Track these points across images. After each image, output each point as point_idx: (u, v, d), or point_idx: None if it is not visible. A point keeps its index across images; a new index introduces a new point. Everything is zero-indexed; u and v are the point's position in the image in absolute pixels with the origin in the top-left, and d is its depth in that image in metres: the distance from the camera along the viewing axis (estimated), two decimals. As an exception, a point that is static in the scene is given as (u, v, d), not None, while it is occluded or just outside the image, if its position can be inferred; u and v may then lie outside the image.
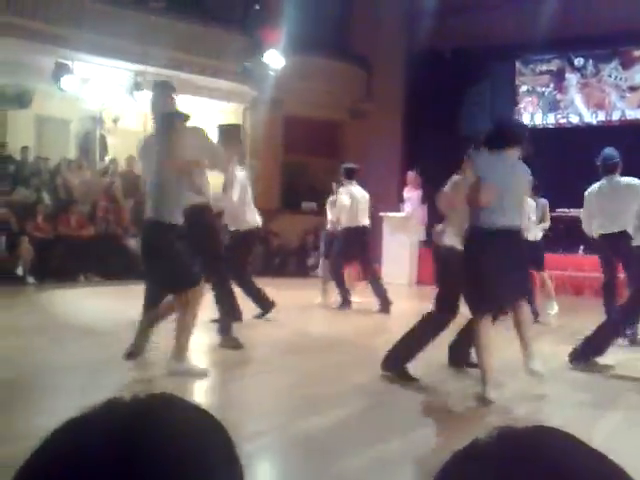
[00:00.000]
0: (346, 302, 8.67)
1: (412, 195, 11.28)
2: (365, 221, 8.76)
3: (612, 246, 6.55)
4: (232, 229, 7.20)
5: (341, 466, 3.22)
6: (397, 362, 4.88)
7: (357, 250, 8.68)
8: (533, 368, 4.56)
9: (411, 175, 11.18)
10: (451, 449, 0.60)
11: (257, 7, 12.79)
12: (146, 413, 0.60)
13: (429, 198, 9.22)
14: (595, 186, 6.72)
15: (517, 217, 4.53)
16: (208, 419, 0.63)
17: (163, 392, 0.64)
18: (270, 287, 7.88)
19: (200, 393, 4.61)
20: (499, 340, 6.23)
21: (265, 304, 7.42)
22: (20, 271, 10.18)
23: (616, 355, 5.62)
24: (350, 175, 8.78)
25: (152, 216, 4.81)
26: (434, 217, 6.67)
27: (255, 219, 7.19)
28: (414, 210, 11.43)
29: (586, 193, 6.80)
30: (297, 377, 5.03)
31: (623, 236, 6.32)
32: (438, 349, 5.08)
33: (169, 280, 4.84)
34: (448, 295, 4.90)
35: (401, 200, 11.74)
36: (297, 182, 14.90)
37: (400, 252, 11.71)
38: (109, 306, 8.36)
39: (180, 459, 0.56)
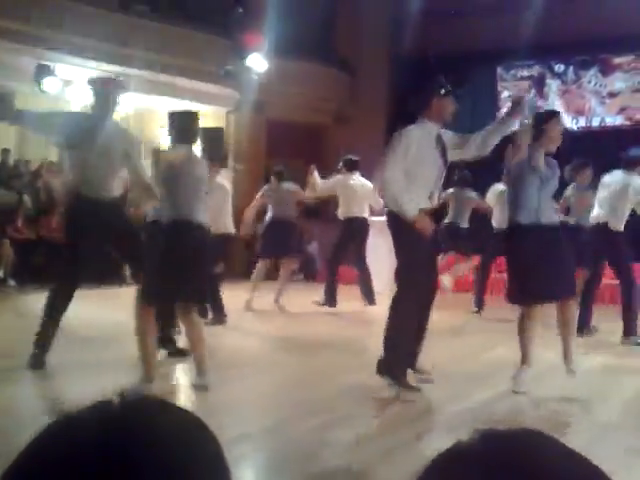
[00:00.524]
0: (331, 301, 8.56)
1: (395, 199, 11.26)
2: (363, 213, 8.60)
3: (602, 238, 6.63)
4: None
5: (329, 469, 3.22)
6: (389, 367, 4.55)
7: (354, 242, 8.57)
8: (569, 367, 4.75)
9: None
10: (433, 451, 0.61)
11: (240, 10, 12.76)
12: (133, 416, 0.60)
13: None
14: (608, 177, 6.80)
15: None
16: (195, 422, 0.63)
17: (150, 395, 0.64)
18: (262, 291, 7.84)
19: (187, 396, 4.59)
20: (492, 339, 6.28)
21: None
22: (1, 274, 10.09)
23: (607, 356, 5.68)
24: (351, 167, 8.64)
25: None
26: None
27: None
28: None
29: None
30: (283, 381, 5.04)
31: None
32: (433, 350, 5.07)
33: None
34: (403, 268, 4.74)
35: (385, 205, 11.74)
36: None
37: (385, 256, 11.69)
38: (92, 310, 8.28)
39: (167, 462, 0.57)
